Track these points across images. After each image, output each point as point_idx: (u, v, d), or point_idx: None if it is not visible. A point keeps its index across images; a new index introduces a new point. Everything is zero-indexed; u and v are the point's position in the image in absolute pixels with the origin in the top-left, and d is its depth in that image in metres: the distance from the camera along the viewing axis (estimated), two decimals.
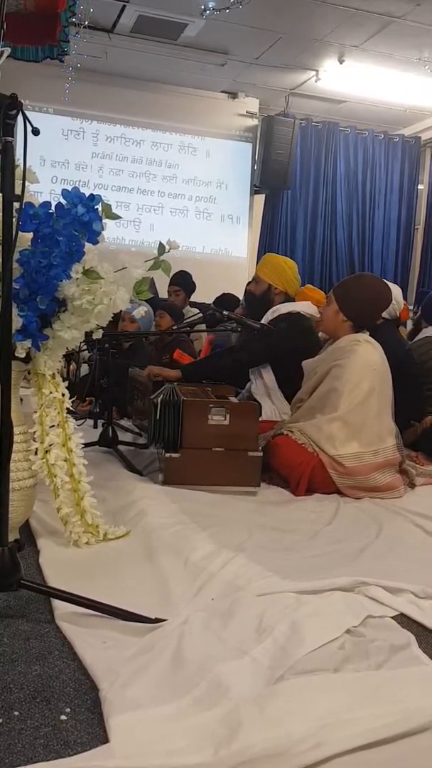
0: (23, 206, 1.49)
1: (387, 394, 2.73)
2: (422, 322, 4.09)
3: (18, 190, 1.37)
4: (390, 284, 3.77)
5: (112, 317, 1.86)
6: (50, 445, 1.83)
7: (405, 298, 3.90)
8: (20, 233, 1.51)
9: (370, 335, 2.99)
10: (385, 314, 3.61)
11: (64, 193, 1.67)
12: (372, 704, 1.17)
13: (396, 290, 3.74)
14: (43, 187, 6.75)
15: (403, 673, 1.32)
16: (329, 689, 1.22)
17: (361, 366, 2.68)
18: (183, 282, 5.45)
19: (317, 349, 3.05)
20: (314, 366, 2.87)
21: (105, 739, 1.08)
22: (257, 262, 8.32)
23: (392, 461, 2.66)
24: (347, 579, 1.71)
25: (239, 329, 3.33)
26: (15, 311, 1.62)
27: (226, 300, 5.34)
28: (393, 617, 1.57)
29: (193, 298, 5.78)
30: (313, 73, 7.02)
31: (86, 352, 3.89)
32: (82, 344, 3.17)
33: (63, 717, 1.15)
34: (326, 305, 2.90)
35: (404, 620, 1.57)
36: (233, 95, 7.88)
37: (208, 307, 4.27)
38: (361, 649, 1.41)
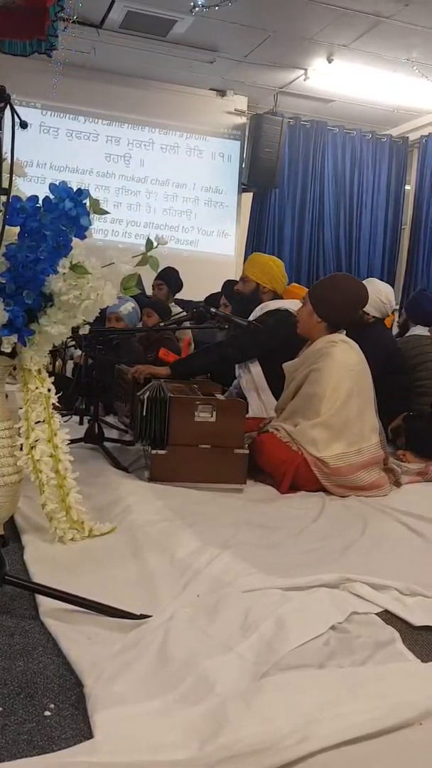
0: (10, 200, 1.49)
1: (367, 392, 2.75)
2: (409, 323, 4.13)
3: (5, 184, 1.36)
4: (381, 284, 3.80)
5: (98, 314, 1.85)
6: (36, 441, 1.82)
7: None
8: (7, 227, 1.50)
9: (360, 333, 3.00)
10: (376, 313, 3.64)
11: (52, 188, 1.66)
12: (356, 700, 1.17)
13: (387, 289, 3.76)
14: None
15: (387, 668, 1.32)
16: (314, 685, 1.22)
17: (338, 368, 2.69)
18: (167, 277, 5.47)
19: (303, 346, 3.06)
20: (293, 370, 2.89)
21: (89, 735, 1.08)
22: (245, 261, 8.35)
23: (376, 459, 2.67)
24: (332, 576, 1.72)
25: (226, 326, 3.34)
26: (1, 306, 1.61)
27: (212, 299, 5.35)
28: (377, 614, 1.58)
29: (180, 295, 5.78)
30: (302, 71, 7.02)
31: (73, 348, 3.87)
32: (69, 340, 3.16)
33: (47, 713, 1.14)
34: (302, 306, 2.91)
35: (389, 617, 1.58)
36: (222, 93, 7.87)
37: (194, 305, 4.27)
38: (346, 646, 1.41)
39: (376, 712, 1.14)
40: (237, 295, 3.55)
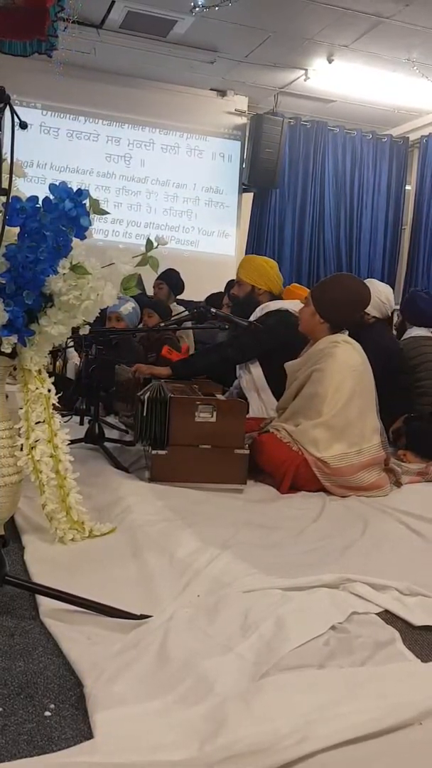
0: (10, 200, 1.49)
1: (369, 393, 2.74)
2: (406, 324, 4.12)
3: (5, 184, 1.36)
4: (381, 284, 3.79)
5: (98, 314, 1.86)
6: (36, 441, 1.82)
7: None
8: (7, 227, 1.50)
9: (361, 334, 3.00)
10: (376, 313, 3.63)
11: (52, 188, 1.66)
12: (356, 700, 1.17)
13: (387, 290, 3.76)
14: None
15: (387, 669, 1.32)
16: (314, 685, 1.22)
17: (340, 369, 2.69)
18: (167, 277, 5.50)
19: (305, 346, 3.06)
20: (295, 369, 2.89)
21: (89, 735, 1.08)
22: None
23: (377, 459, 2.67)
24: (333, 576, 1.72)
25: (227, 327, 3.34)
26: (1, 306, 1.61)
27: (213, 299, 5.36)
28: (377, 614, 1.58)
29: (180, 296, 5.79)
30: (302, 72, 7.02)
31: (72, 349, 3.87)
32: (69, 340, 3.16)
33: (47, 713, 1.14)
34: (304, 306, 2.91)
35: (389, 617, 1.58)
36: (222, 93, 7.88)
37: (195, 305, 4.28)
38: (346, 646, 1.41)
39: (375, 712, 1.13)
40: (233, 298, 3.55)
